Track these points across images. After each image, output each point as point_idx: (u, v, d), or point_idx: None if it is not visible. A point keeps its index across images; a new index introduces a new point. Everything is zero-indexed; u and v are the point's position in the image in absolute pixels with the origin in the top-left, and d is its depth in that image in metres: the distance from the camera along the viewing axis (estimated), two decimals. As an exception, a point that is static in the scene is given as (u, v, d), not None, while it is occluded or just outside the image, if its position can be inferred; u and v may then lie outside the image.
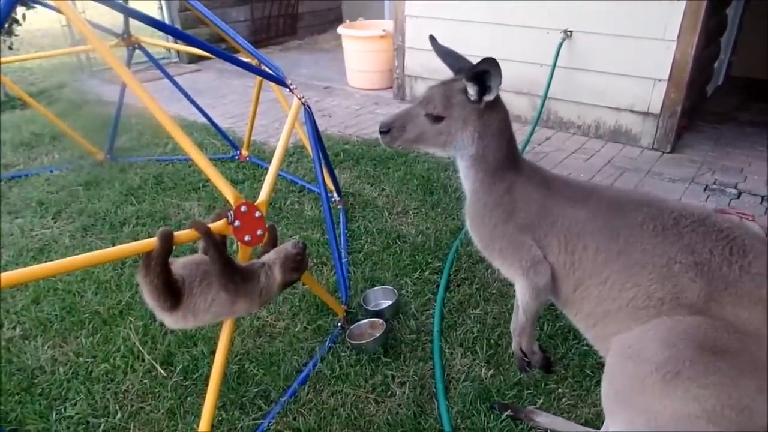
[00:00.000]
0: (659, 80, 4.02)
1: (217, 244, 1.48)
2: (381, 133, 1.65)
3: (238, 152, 3.94)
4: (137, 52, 3.70)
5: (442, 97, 1.58)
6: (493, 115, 1.57)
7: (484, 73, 1.48)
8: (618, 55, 4.10)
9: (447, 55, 1.68)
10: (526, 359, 1.75)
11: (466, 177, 1.66)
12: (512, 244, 1.56)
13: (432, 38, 1.71)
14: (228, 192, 1.58)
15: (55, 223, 3.15)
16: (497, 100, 1.58)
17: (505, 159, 1.61)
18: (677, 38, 3.82)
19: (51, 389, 2.03)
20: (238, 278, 1.51)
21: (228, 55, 2.15)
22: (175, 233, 1.42)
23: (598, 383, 1.83)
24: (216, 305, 1.49)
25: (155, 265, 1.37)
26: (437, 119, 1.59)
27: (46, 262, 1.33)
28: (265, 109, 4.76)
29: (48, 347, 2.22)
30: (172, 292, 1.44)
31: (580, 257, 1.46)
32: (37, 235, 3.01)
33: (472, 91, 1.53)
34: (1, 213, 3.22)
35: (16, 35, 5.46)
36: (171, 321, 1.51)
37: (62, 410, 1.95)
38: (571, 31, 4.23)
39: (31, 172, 3.79)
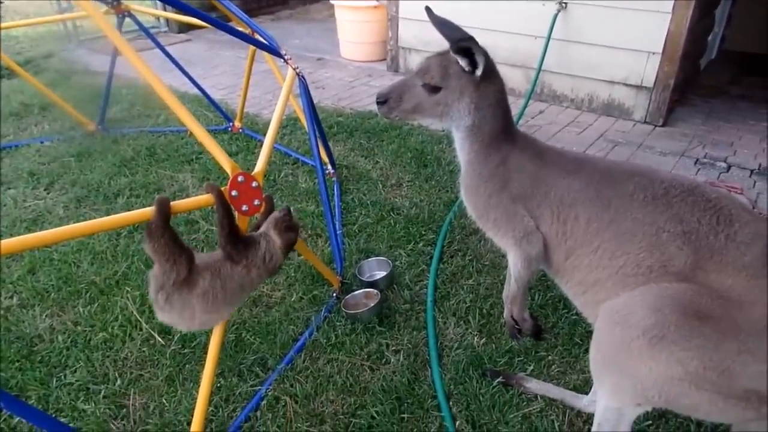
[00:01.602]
0: (653, 53, 4.01)
1: (228, 208, 1.51)
2: (378, 103, 1.67)
3: (230, 124, 3.92)
4: (126, 20, 3.63)
5: (439, 68, 1.59)
6: (490, 86, 1.59)
7: (468, 49, 1.50)
8: (612, 27, 4.08)
9: (443, 26, 1.68)
10: (517, 327, 1.80)
11: (462, 148, 1.68)
12: (506, 215, 1.59)
13: (428, 9, 1.71)
14: (225, 162, 1.59)
15: (48, 194, 3.14)
16: (493, 72, 1.59)
17: (501, 130, 1.63)
18: (672, 11, 3.81)
19: (50, 357, 2.06)
20: (241, 246, 1.54)
21: (222, 23, 2.12)
22: (174, 202, 1.43)
23: (587, 351, 1.88)
24: (242, 281, 1.54)
25: (156, 228, 1.38)
26: (434, 90, 1.60)
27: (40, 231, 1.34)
28: (257, 81, 4.73)
29: (46, 316, 2.24)
30: (183, 248, 1.43)
31: (572, 227, 1.50)
32: (30, 206, 3.01)
33: (463, 63, 1.55)
34: (1, 182, 3.21)
35: (0, 2, 5.33)
36: (201, 309, 1.48)
37: (62, 377, 1.98)
38: (566, 3, 4.20)
39: (22, 142, 3.75)
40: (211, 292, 1.49)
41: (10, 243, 1.26)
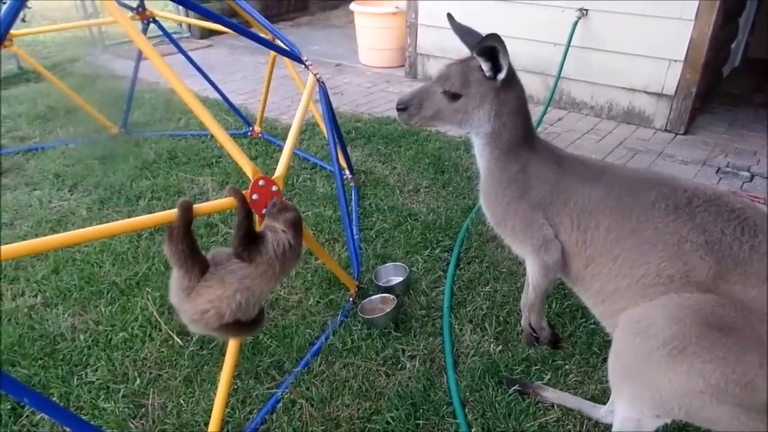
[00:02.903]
0: (675, 61, 3.97)
1: (249, 211, 1.52)
2: (398, 110, 1.67)
3: (250, 128, 3.96)
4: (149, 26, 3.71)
5: (459, 75, 1.59)
6: (510, 93, 1.58)
7: (493, 49, 1.49)
8: (634, 34, 4.05)
9: (465, 33, 1.68)
10: (534, 335, 1.79)
11: (482, 155, 1.68)
12: (524, 222, 1.59)
13: (450, 16, 1.71)
14: (246, 166, 1.61)
15: (72, 195, 3.20)
16: (514, 79, 1.59)
17: (521, 137, 1.62)
18: (695, 18, 3.76)
19: (72, 355, 2.10)
20: (253, 247, 1.52)
21: (244, 29, 2.15)
22: (196, 205, 1.46)
23: (605, 360, 1.86)
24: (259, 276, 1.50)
25: (177, 233, 1.40)
26: (454, 97, 1.60)
27: (64, 232, 1.37)
28: (276, 86, 4.76)
29: (68, 315, 2.29)
30: (199, 257, 1.45)
31: (592, 235, 1.48)
32: (55, 206, 3.07)
33: (485, 67, 1.54)
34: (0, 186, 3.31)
35: (28, 8, 5.46)
36: (224, 301, 1.45)
37: (83, 375, 2.02)
38: (586, 10, 4.17)
39: (48, 145, 3.84)
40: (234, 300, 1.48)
41: (36, 243, 1.29)
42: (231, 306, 1.45)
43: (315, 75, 2.48)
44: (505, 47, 1.48)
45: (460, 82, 1.59)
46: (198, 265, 1.45)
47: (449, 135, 3.95)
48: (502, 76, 1.54)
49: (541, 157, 1.63)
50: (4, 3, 1.46)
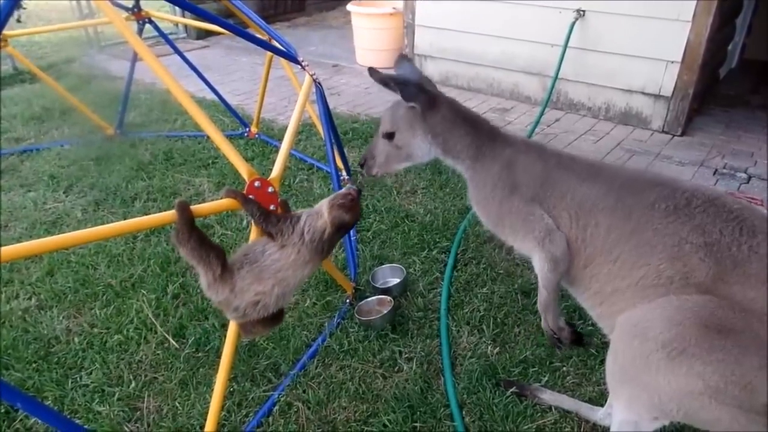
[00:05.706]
0: (672, 62, 3.97)
1: (253, 200, 1.53)
2: (360, 167, 1.81)
3: (247, 129, 3.95)
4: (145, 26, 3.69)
5: (389, 116, 1.72)
6: (436, 113, 1.66)
7: (386, 84, 1.61)
8: (631, 36, 4.05)
9: (390, 80, 1.73)
10: (555, 336, 1.74)
11: (461, 170, 1.74)
12: (521, 217, 1.57)
13: (371, 69, 1.69)
14: (242, 167, 1.60)
15: (66, 196, 3.18)
16: (436, 99, 1.66)
17: (478, 141, 1.66)
18: (692, 19, 3.77)
19: (67, 358, 2.08)
20: (274, 219, 1.53)
21: (240, 30, 2.14)
22: (193, 206, 1.45)
23: (602, 362, 1.86)
24: (277, 261, 1.49)
25: (182, 233, 1.40)
26: (391, 136, 1.71)
27: (58, 234, 1.35)
28: (273, 87, 4.74)
29: (63, 318, 2.27)
30: (212, 248, 1.45)
31: (592, 234, 1.47)
32: (50, 208, 3.05)
33: (397, 95, 1.64)
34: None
35: (24, 8, 5.43)
36: (253, 290, 1.47)
37: (78, 379, 2.00)
38: (584, 11, 4.17)
39: (43, 146, 3.82)
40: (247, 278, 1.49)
41: (28, 246, 1.27)
42: (272, 298, 1.50)
43: (312, 76, 2.47)
44: (395, 80, 1.60)
45: (390, 122, 1.71)
46: (213, 255, 1.46)
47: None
48: (412, 103, 1.63)
49: (525, 153, 1.63)
50: None
